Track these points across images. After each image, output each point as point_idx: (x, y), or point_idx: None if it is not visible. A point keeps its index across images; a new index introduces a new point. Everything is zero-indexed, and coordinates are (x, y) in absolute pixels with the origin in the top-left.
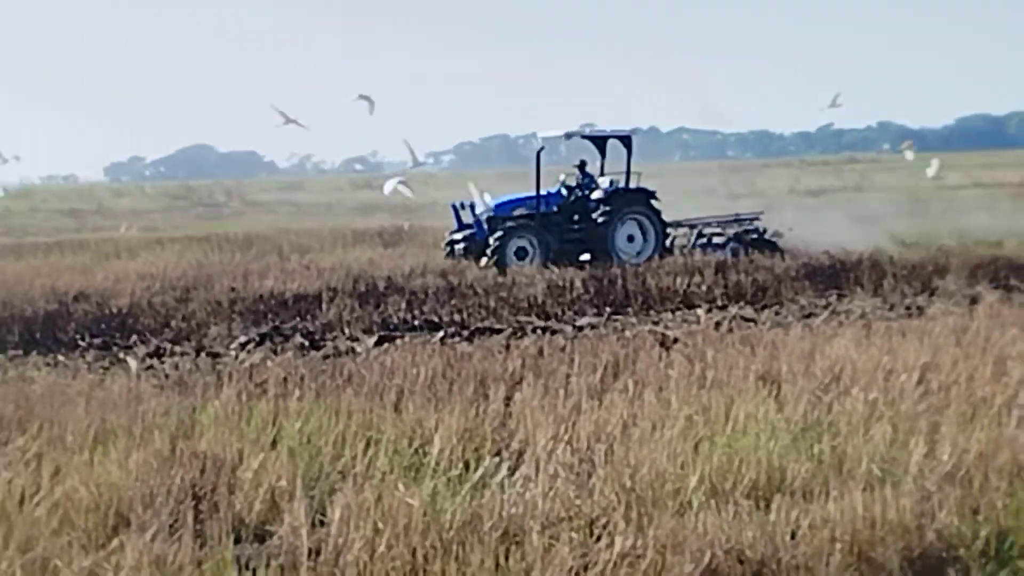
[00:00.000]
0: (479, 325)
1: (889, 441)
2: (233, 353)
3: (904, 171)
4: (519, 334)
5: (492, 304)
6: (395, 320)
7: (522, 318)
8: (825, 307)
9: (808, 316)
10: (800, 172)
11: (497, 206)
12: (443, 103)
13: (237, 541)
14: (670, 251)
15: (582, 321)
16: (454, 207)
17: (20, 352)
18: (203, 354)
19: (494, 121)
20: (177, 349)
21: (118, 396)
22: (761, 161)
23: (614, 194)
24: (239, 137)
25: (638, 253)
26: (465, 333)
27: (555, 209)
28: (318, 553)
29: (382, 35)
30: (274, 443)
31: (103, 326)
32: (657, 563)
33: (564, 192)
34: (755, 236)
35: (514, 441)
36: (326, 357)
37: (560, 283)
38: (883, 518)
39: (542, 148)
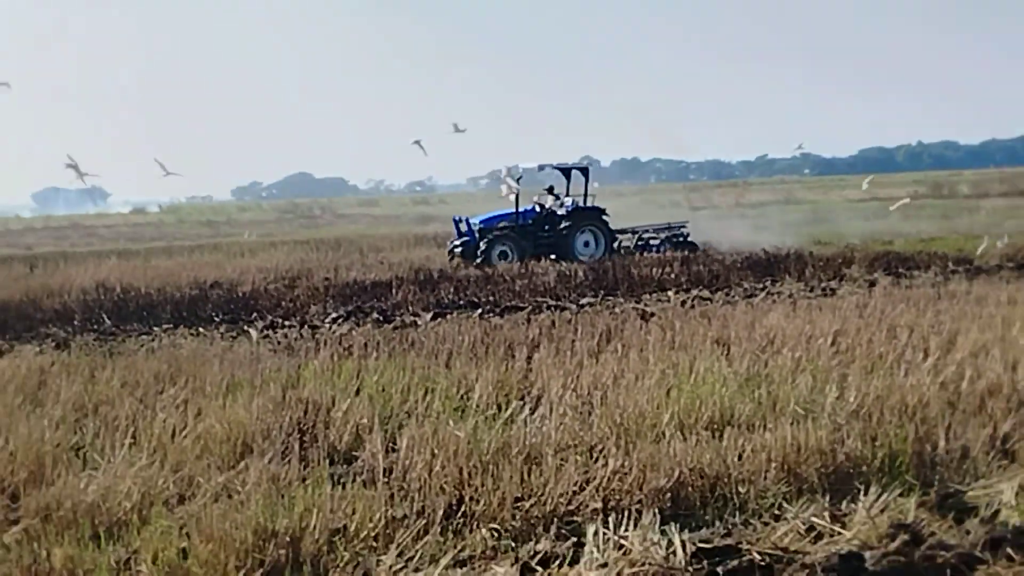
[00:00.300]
0: (508, 304)
1: (810, 387)
2: (327, 325)
3: (821, 189)
4: (537, 311)
5: (517, 288)
6: (446, 300)
7: (539, 299)
8: (762, 289)
9: (750, 296)
10: (743, 190)
11: (485, 220)
12: (479, 138)
13: (331, 463)
14: (618, 251)
15: (583, 301)
16: (455, 220)
17: (171, 325)
18: (305, 326)
19: (517, 153)
20: (286, 323)
21: (243, 357)
22: (715, 182)
23: (575, 211)
24: (331, 166)
25: (592, 255)
26: (497, 310)
27: (530, 222)
28: (390, 472)
29: (439, 82)
30: (358, 391)
31: (232, 306)
32: (640, 478)
33: (538, 209)
34: (680, 239)
35: (534, 389)
36: (395, 328)
37: (567, 273)
38: (806, 444)
39: (520, 177)
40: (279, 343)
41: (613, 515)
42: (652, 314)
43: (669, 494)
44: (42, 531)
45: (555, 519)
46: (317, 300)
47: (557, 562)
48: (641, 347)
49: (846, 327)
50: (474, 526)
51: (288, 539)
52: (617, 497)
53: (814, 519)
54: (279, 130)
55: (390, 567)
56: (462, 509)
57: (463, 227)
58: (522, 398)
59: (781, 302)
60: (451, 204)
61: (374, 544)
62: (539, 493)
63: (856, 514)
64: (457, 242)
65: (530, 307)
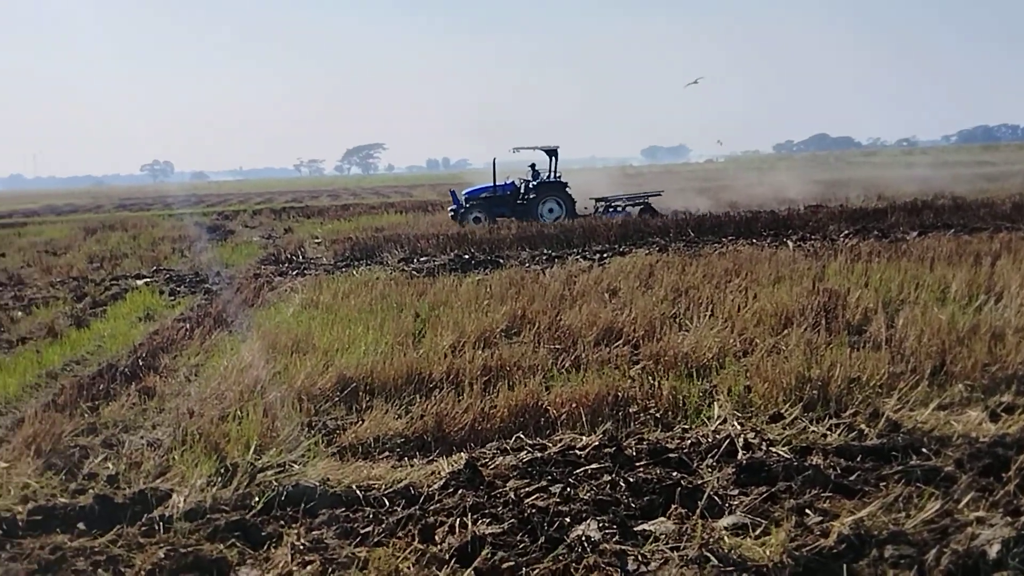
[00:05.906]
0: (973, 226)
1: None
2: (841, 239)
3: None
4: (996, 231)
5: (981, 214)
6: (927, 223)
7: (998, 222)
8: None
9: None
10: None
11: (470, 192)
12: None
13: (848, 333)
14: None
15: None
16: (451, 192)
17: (734, 237)
18: (826, 239)
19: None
20: (812, 236)
21: (783, 260)
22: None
23: (540, 185)
24: (840, 127)
25: (556, 218)
26: (965, 231)
27: (508, 193)
28: (890, 341)
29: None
30: (865, 284)
31: (774, 224)
32: None
33: (516, 183)
34: (643, 205)
35: (996, 287)
36: (890, 242)
37: (1020, 203)
38: None
39: (495, 159)
40: (808, 250)
41: None
42: None
43: None
44: (654, 369)
45: (1015, 380)
46: (833, 221)
47: (1019, 411)
48: None
49: None
50: (952, 382)
51: (819, 383)
52: None
53: None
54: (789, 97)
55: (892, 407)
56: (944, 369)
57: (456, 198)
58: (987, 292)
59: None
60: (930, 155)
61: (879, 391)
62: (1002, 361)
63: None
64: (451, 209)
65: (991, 228)
